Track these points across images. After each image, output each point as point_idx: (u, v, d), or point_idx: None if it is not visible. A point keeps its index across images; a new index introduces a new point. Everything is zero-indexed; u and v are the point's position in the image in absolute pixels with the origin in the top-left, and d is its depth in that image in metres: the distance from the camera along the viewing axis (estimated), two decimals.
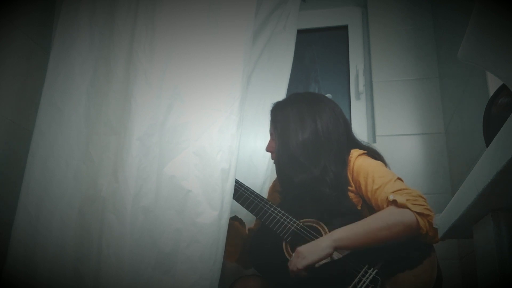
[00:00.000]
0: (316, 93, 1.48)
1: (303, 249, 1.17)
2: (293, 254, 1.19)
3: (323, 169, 1.29)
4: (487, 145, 0.76)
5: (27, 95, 1.57)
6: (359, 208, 1.29)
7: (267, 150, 1.45)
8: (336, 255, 1.21)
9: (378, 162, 1.33)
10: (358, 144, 1.40)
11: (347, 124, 1.41)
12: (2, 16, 1.48)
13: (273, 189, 1.56)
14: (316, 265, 1.16)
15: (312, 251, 1.16)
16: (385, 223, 1.15)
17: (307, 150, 1.32)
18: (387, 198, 1.18)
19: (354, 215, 1.26)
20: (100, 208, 1.16)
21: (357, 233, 1.17)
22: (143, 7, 1.31)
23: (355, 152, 1.34)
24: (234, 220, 1.47)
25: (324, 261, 1.17)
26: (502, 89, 0.80)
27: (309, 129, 1.34)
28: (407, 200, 1.15)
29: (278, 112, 1.43)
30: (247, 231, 1.53)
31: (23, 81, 1.56)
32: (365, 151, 1.36)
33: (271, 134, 1.45)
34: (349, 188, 1.30)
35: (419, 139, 1.89)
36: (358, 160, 1.32)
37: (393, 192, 1.19)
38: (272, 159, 1.44)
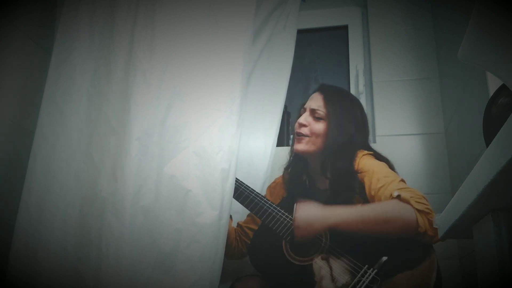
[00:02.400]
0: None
1: (300, 219, 1.21)
2: (294, 209, 1.24)
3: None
4: (487, 145, 0.76)
5: (27, 96, 1.57)
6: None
7: (301, 122, 1.41)
8: (334, 255, 1.21)
9: (382, 163, 1.34)
10: (370, 148, 1.44)
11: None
12: (2, 16, 1.48)
13: (276, 186, 1.55)
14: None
15: (308, 228, 1.21)
16: (385, 215, 1.16)
17: (357, 145, 1.38)
18: (391, 195, 1.18)
19: None
20: (100, 208, 1.16)
21: (355, 219, 1.18)
22: (143, 7, 1.31)
23: (360, 153, 1.35)
24: None
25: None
26: (502, 89, 0.80)
27: (361, 130, 1.42)
28: (411, 197, 1.15)
29: (337, 96, 1.45)
30: (233, 225, 1.54)
31: (23, 81, 1.56)
32: (371, 152, 1.37)
33: (312, 110, 1.42)
34: (355, 189, 1.31)
35: (419, 139, 1.89)
36: (363, 160, 1.33)
37: (398, 189, 1.19)
38: (302, 133, 1.41)
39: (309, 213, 1.21)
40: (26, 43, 1.59)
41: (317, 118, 1.40)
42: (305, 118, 1.42)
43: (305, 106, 1.45)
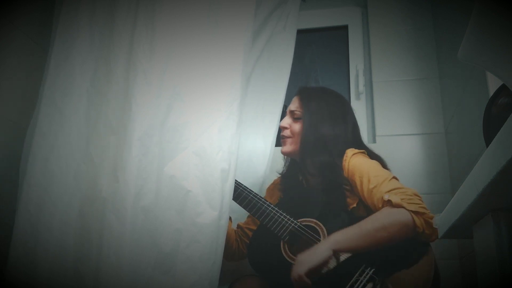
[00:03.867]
0: (341, 95, 1.55)
1: (302, 256, 1.17)
2: (294, 263, 1.18)
3: (341, 159, 1.35)
4: (487, 145, 0.76)
5: (27, 95, 1.57)
6: (354, 205, 1.29)
7: (282, 125, 1.48)
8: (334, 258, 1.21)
9: (373, 161, 1.34)
10: (362, 146, 1.43)
11: (358, 128, 1.50)
12: (2, 16, 1.48)
13: (274, 188, 1.56)
14: (323, 271, 1.15)
15: (311, 257, 1.15)
16: (381, 224, 1.15)
17: (335, 140, 1.38)
18: (382, 197, 1.19)
19: (350, 214, 1.28)
20: (100, 208, 1.16)
21: (355, 235, 1.17)
22: (143, 7, 1.30)
23: (349, 152, 1.35)
24: None
25: (328, 267, 1.16)
26: (502, 89, 0.80)
27: (340, 125, 1.42)
28: (402, 199, 1.15)
29: (311, 95, 1.49)
30: (233, 226, 1.55)
31: (23, 81, 1.56)
32: (362, 151, 1.37)
33: (291, 111, 1.48)
34: (345, 186, 1.31)
35: (419, 139, 1.89)
36: (353, 159, 1.33)
37: (388, 191, 1.19)
38: (284, 136, 1.47)
39: (309, 252, 1.17)
40: (26, 43, 1.59)
41: (296, 119, 1.46)
42: (285, 121, 1.48)
43: (286, 110, 1.52)
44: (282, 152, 1.48)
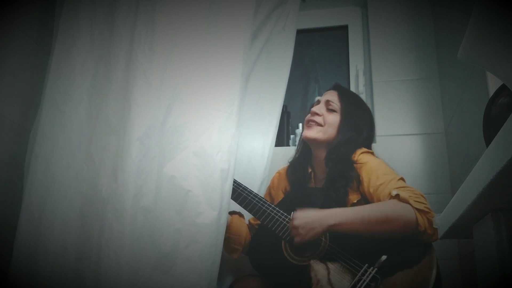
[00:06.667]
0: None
1: (299, 226, 1.20)
2: (291, 218, 1.23)
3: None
4: (487, 145, 0.76)
5: (27, 96, 1.57)
6: (355, 202, 1.29)
7: (315, 111, 1.45)
8: (334, 254, 1.21)
9: (382, 160, 1.35)
10: (370, 148, 1.46)
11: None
12: (2, 16, 1.48)
13: (280, 176, 1.56)
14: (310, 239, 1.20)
15: (306, 232, 1.19)
16: (385, 215, 1.16)
17: (363, 144, 1.40)
18: (389, 193, 1.19)
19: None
20: (100, 209, 1.16)
21: (356, 220, 1.18)
22: (143, 7, 1.31)
23: (359, 150, 1.36)
24: (233, 214, 1.49)
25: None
26: (502, 89, 0.80)
27: (367, 129, 1.45)
28: (409, 196, 1.15)
29: (349, 94, 1.52)
30: (247, 222, 1.54)
31: (24, 82, 1.56)
32: (371, 151, 1.38)
33: (326, 101, 1.46)
34: (350, 183, 1.31)
35: (419, 139, 1.89)
36: (362, 155, 1.34)
37: (397, 188, 1.19)
38: (315, 121, 1.44)
39: (308, 216, 1.21)
40: (26, 43, 1.59)
41: (330, 110, 1.44)
42: (319, 108, 1.46)
43: (319, 99, 1.50)
44: (305, 137, 1.44)
